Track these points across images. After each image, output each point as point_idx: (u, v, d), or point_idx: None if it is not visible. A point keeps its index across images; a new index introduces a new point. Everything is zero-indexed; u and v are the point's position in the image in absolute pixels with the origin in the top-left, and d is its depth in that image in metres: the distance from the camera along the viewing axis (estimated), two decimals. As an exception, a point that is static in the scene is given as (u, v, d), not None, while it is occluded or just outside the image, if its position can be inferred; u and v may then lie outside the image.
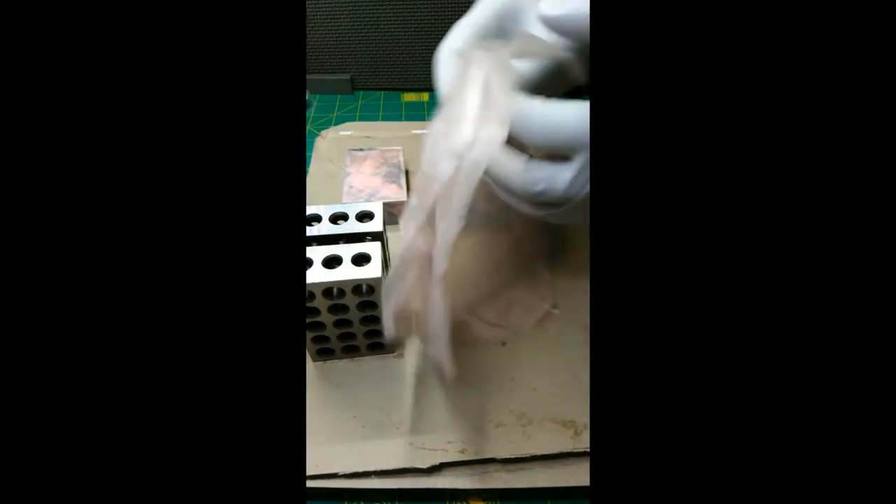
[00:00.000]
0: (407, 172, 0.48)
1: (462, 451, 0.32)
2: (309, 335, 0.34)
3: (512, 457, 0.31)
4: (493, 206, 0.30)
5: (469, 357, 0.37)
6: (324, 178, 0.50)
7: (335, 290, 0.32)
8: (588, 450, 0.32)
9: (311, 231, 0.34)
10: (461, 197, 0.24)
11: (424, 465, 0.31)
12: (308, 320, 0.33)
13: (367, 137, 0.55)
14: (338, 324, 0.34)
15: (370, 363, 0.36)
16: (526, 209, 0.27)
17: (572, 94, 0.31)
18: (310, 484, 0.30)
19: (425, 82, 0.63)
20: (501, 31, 0.30)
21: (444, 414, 0.34)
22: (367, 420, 0.33)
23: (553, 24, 0.24)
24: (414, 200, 0.26)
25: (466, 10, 0.31)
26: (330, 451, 0.32)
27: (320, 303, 0.32)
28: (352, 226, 0.34)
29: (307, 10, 0.59)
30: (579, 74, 0.28)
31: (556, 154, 0.25)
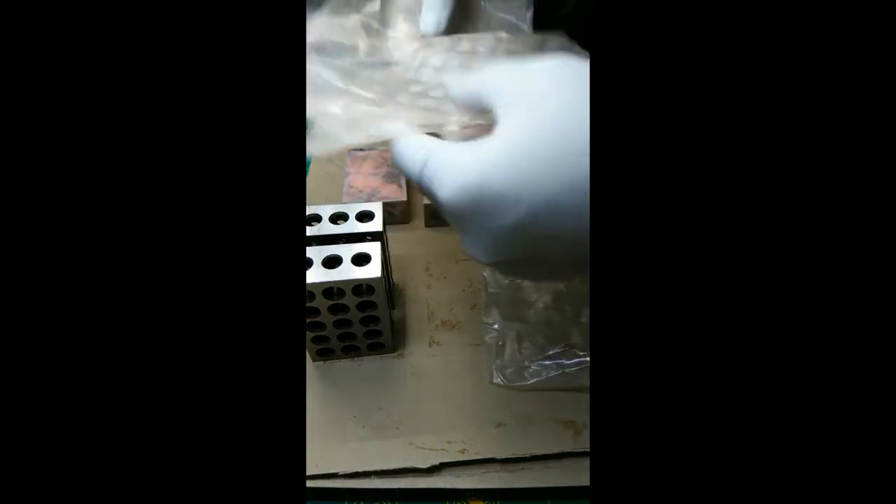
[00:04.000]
0: (407, 172, 0.48)
1: (462, 451, 0.32)
2: (309, 335, 0.34)
3: (512, 457, 0.31)
4: None
5: (469, 357, 0.37)
6: (324, 178, 0.50)
7: (335, 290, 0.32)
8: (588, 450, 0.32)
9: (311, 231, 0.34)
10: None
11: (424, 465, 0.31)
12: (308, 320, 0.33)
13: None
14: (338, 324, 0.34)
15: (370, 363, 0.36)
16: None
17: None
18: (310, 484, 0.30)
19: (425, 82, 0.63)
20: None
21: (444, 414, 0.34)
22: (367, 420, 0.33)
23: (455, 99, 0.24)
24: None
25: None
26: (330, 451, 0.32)
27: (320, 303, 0.32)
28: (352, 226, 0.34)
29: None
30: None
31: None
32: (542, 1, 0.39)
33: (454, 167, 0.19)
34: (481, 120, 0.23)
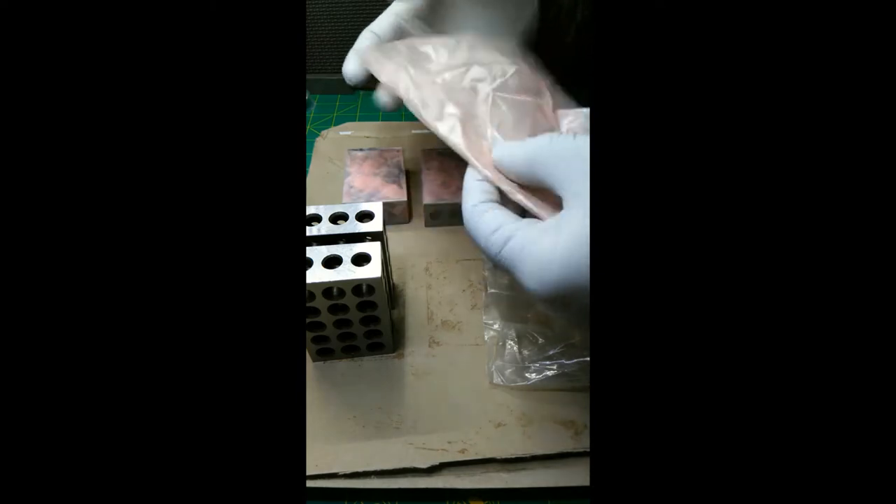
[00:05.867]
0: (407, 172, 0.48)
1: (462, 451, 0.32)
2: (309, 335, 0.34)
3: (512, 457, 0.31)
4: None
5: (469, 357, 0.37)
6: (324, 178, 0.50)
7: (335, 290, 0.32)
8: (588, 450, 0.32)
9: (311, 231, 0.34)
10: None
11: (424, 465, 0.31)
12: (308, 320, 0.33)
13: (367, 137, 0.55)
14: (338, 324, 0.34)
15: (370, 363, 0.36)
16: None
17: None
18: (310, 484, 0.30)
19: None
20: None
21: (444, 414, 0.34)
22: (367, 420, 0.33)
23: (497, 166, 0.28)
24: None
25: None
26: (330, 451, 0.32)
27: (320, 303, 0.32)
28: (352, 226, 0.34)
29: (307, 10, 0.59)
30: None
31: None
32: (547, 27, 0.39)
33: (540, 262, 0.23)
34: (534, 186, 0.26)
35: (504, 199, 0.27)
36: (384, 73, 0.36)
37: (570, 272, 0.22)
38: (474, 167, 0.28)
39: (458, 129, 0.30)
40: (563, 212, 0.24)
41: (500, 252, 0.24)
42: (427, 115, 0.32)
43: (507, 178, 0.27)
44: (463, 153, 0.29)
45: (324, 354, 0.36)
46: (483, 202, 0.26)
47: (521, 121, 0.31)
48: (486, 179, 0.27)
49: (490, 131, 0.30)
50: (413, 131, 0.55)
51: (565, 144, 0.25)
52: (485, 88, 0.32)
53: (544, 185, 0.25)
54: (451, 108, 0.32)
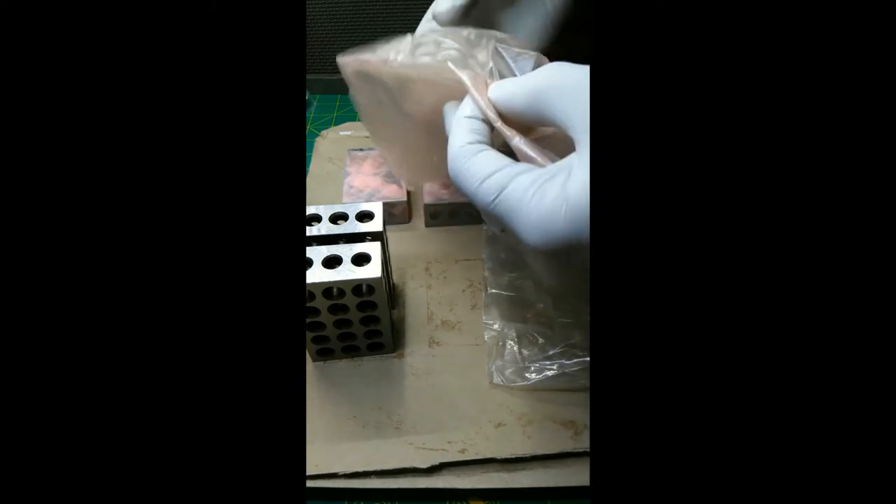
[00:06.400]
0: (407, 172, 0.48)
1: (462, 451, 0.32)
2: (309, 335, 0.34)
3: (512, 457, 0.31)
4: None
5: (469, 357, 0.37)
6: (324, 178, 0.50)
7: (335, 290, 0.32)
8: (588, 450, 0.32)
9: (311, 231, 0.34)
10: None
11: (424, 465, 0.31)
12: (308, 320, 0.33)
13: (367, 137, 0.54)
14: (338, 324, 0.34)
15: (370, 363, 0.36)
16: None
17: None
18: (310, 484, 0.31)
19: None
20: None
21: (444, 414, 0.34)
22: (367, 420, 0.33)
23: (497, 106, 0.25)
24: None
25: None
26: (330, 451, 0.32)
27: (320, 303, 0.32)
28: (352, 226, 0.34)
29: (307, 10, 0.59)
30: None
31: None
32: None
33: (543, 211, 0.20)
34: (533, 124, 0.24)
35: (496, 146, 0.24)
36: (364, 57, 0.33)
37: (581, 224, 0.19)
38: (474, 100, 0.25)
39: (459, 61, 0.27)
40: (573, 154, 0.21)
41: (494, 201, 0.21)
42: (419, 53, 0.29)
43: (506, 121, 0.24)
44: (464, 82, 0.26)
45: (324, 354, 0.36)
46: (472, 143, 0.23)
47: (524, 73, 0.28)
48: (481, 117, 0.24)
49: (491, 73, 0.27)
50: (413, 131, 0.55)
51: (578, 75, 0.21)
52: (482, 40, 0.30)
53: (550, 122, 0.22)
54: (449, 43, 0.29)
